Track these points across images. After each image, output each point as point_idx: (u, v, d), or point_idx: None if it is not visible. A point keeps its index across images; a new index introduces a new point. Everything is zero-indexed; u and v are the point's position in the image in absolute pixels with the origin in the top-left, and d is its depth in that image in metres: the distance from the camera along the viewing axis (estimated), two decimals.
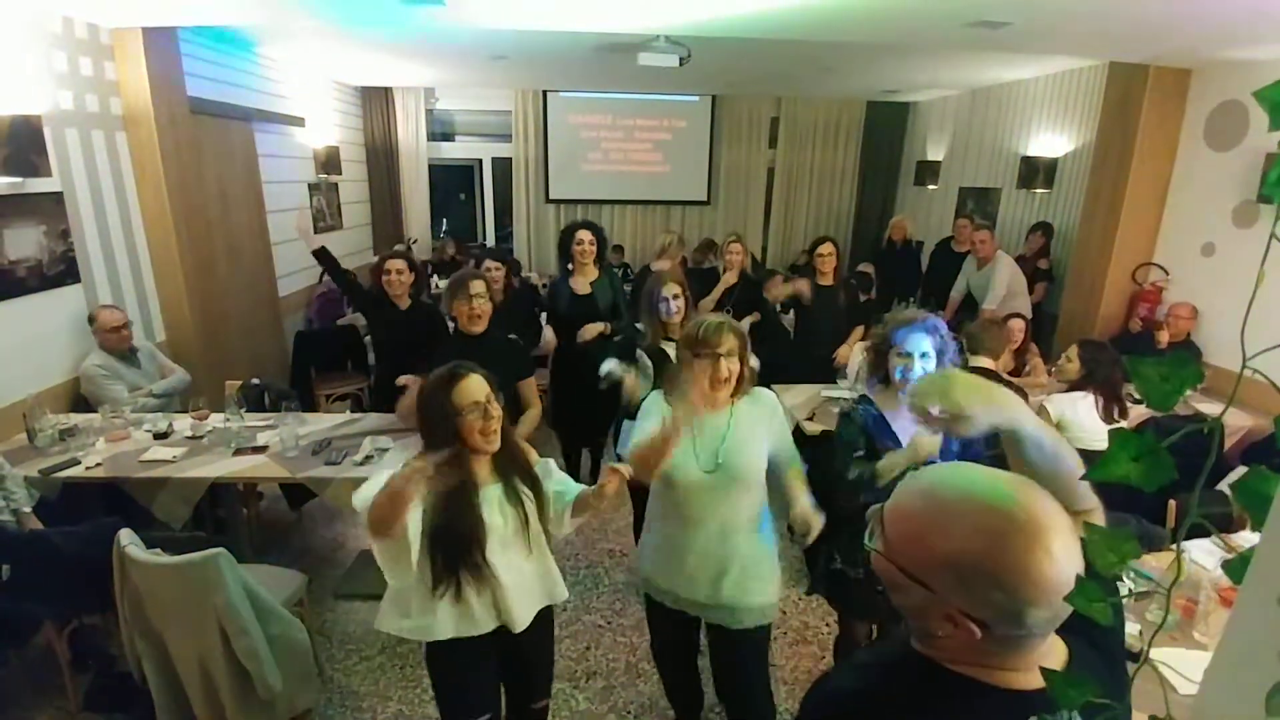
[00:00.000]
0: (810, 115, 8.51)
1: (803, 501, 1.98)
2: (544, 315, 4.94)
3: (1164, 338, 4.37)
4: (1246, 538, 2.30)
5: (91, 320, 3.57)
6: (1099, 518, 0.98)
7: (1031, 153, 6.09)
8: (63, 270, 3.57)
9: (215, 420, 3.38)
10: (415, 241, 7.93)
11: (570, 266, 3.93)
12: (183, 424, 3.34)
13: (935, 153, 7.89)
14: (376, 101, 7.86)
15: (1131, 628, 1.96)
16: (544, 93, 8.10)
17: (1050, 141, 5.94)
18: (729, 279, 4.44)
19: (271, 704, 2.24)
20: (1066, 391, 3.25)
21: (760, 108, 8.45)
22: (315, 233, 6.49)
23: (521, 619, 1.85)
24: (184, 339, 4.34)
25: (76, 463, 2.95)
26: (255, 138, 5.42)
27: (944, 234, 6.64)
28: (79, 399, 3.59)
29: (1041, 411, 3.25)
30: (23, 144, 3.19)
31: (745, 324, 4.02)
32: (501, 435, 1.82)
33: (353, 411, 4.56)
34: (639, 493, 3.22)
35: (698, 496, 2.00)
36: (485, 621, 1.83)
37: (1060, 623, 0.78)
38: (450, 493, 1.73)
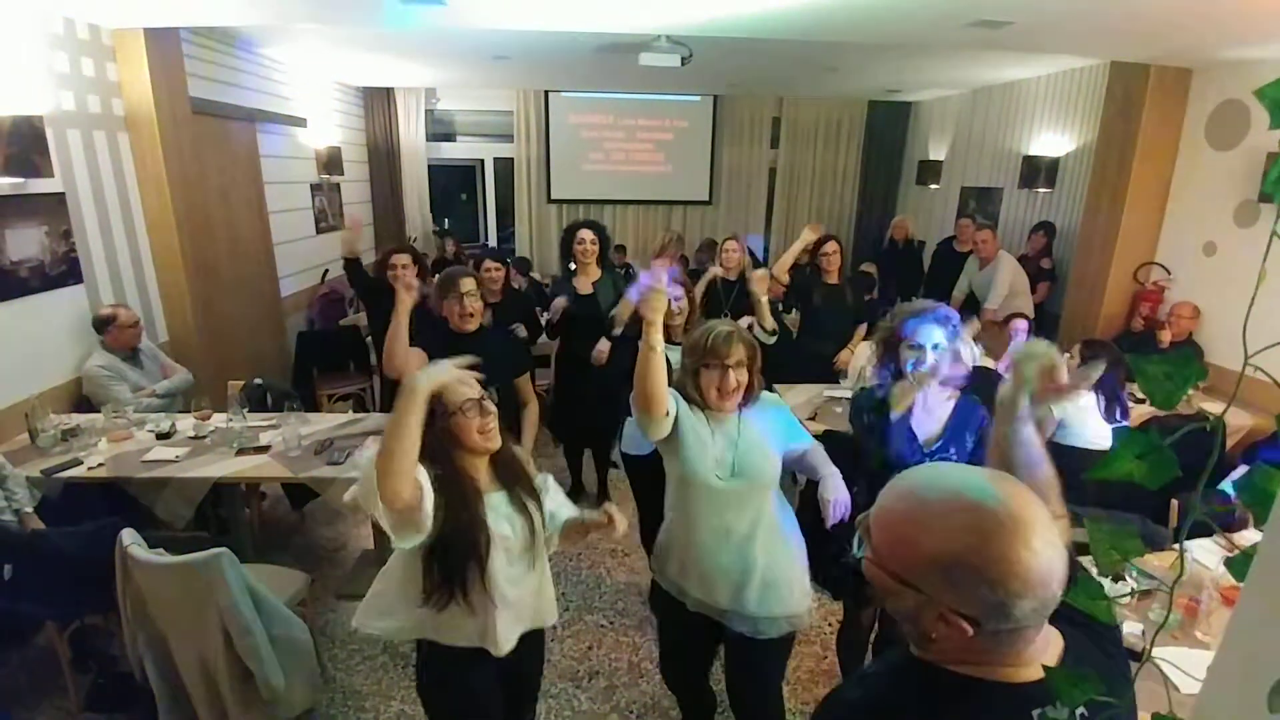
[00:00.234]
0: (812, 115, 8.51)
1: (826, 471, 1.97)
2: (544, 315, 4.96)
3: (1166, 337, 4.36)
4: (1249, 536, 2.30)
5: (106, 322, 3.56)
6: (1065, 528, 1.01)
7: (1033, 152, 6.08)
8: (65, 271, 3.57)
9: (218, 420, 3.38)
10: (415, 240, 7.94)
11: (572, 267, 3.93)
12: (185, 424, 3.34)
13: (937, 152, 7.89)
14: (378, 102, 7.87)
15: (1135, 627, 1.96)
16: (545, 93, 8.10)
17: (1052, 141, 5.94)
18: (715, 271, 4.44)
19: (274, 704, 2.24)
20: None
21: (762, 107, 8.46)
22: (316, 233, 6.53)
23: (507, 642, 1.75)
24: (186, 339, 4.35)
25: (79, 463, 2.96)
26: (257, 138, 5.43)
27: (946, 233, 6.65)
28: (81, 399, 3.60)
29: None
30: (25, 144, 3.20)
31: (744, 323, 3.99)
32: (500, 439, 1.76)
33: (355, 411, 4.57)
34: (642, 494, 3.24)
35: (715, 505, 1.97)
36: (467, 638, 1.74)
37: (1046, 613, 0.79)
38: (453, 499, 1.63)
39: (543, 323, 4.30)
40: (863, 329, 4.35)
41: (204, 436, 3.24)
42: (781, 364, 3.98)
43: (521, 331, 4.05)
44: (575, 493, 4.25)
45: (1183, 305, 4.46)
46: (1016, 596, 0.75)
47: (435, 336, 2.83)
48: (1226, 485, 2.48)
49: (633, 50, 4.92)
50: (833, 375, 4.23)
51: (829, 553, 2.21)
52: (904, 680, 0.88)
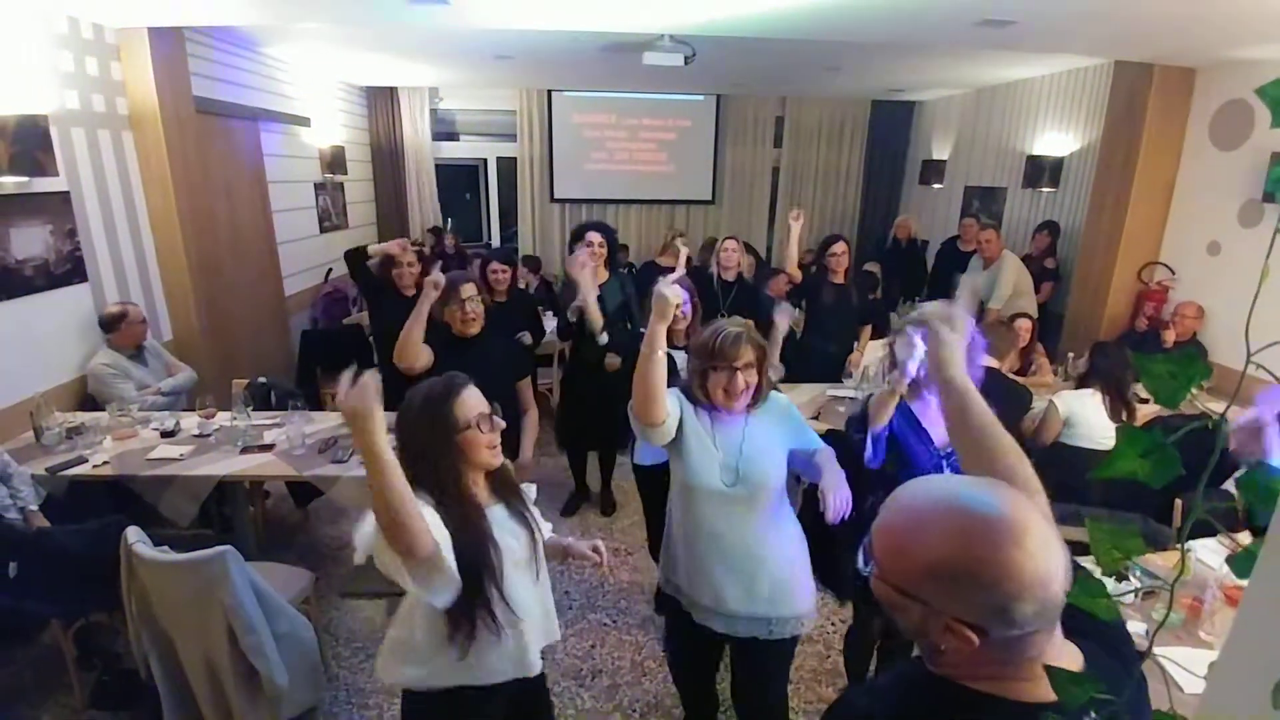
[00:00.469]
0: (815, 114, 8.50)
1: (830, 469, 1.89)
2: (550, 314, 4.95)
3: (1170, 337, 4.35)
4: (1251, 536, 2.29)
5: (116, 319, 3.57)
6: (1043, 502, 1.02)
7: (1037, 152, 6.07)
8: (69, 269, 3.59)
9: (222, 418, 3.40)
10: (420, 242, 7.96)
11: None
12: (190, 422, 3.35)
13: (940, 152, 7.87)
14: (382, 101, 7.87)
15: (1139, 627, 1.96)
16: (548, 92, 8.09)
17: (1056, 140, 5.92)
18: (686, 258, 4.52)
19: (278, 701, 2.25)
20: (1075, 389, 3.27)
21: (765, 107, 8.45)
22: (320, 232, 6.53)
23: (536, 659, 1.70)
24: (190, 338, 4.36)
25: (84, 461, 2.96)
26: (261, 137, 5.44)
27: (949, 233, 6.64)
28: (86, 397, 3.61)
29: (1050, 407, 3.25)
30: (29, 144, 3.21)
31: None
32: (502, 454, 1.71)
33: None
34: (645, 494, 3.23)
35: (719, 510, 1.95)
36: (502, 669, 1.66)
37: (1051, 616, 0.78)
38: (458, 520, 1.54)
39: (556, 324, 4.26)
40: (868, 329, 4.34)
41: (208, 435, 3.25)
42: (785, 363, 3.98)
43: (527, 339, 4.03)
44: (579, 497, 4.23)
45: (1187, 305, 4.44)
46: (1015, 599, 0.75)
47: (437, 340, 2.84)
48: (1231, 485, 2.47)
49: (636, 50, 4.92)
50: (837, 375, 4.22)
51: (832, 553, 2.21)
52: (916, 694, 0.87)
